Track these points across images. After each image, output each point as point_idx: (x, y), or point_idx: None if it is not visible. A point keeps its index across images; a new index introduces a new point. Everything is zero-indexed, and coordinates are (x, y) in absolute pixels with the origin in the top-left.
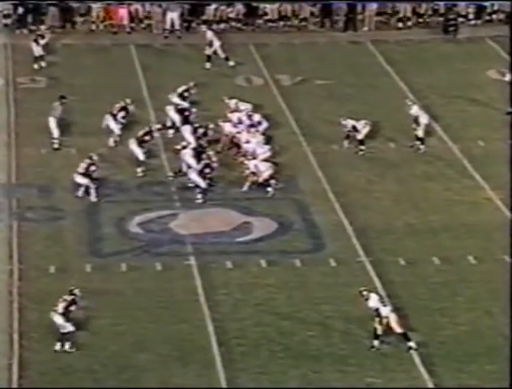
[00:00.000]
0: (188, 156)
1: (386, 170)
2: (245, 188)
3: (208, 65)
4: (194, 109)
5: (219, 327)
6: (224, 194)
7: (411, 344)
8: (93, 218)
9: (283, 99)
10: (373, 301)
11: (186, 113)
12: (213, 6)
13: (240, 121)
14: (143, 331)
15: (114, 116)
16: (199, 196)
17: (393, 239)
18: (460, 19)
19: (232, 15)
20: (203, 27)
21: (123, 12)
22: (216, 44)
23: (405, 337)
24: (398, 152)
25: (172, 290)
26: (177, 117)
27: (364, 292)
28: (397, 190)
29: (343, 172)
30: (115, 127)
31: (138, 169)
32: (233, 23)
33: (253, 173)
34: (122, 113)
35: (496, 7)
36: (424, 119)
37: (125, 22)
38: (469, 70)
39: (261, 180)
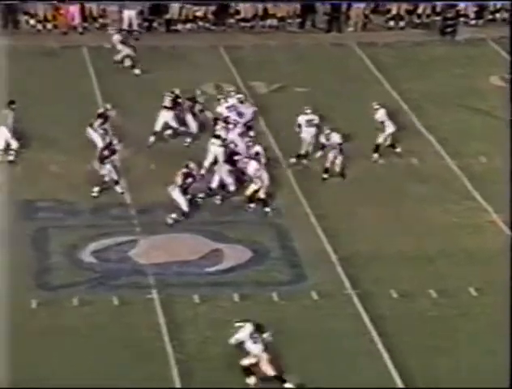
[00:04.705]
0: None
1: (375, 190)
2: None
3: (137, 71)
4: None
5: (184, 370)
6: (190, 218)
7: (288, 385)
8: (40, 245)
9: (258, 109)
10: (243, 334)
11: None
12: (178, 4)
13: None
14: (97, 374)
15: (92, 125)
16: (173, 216)
17: (383, 268)
18: (459, 19)
19: (199, 14)
20: (110, 30)
21: (74, 10)
22: (126, 50)
23: (280, 380)
24: (389, 170)
25: (132, 328)
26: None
27: (238, 324)
28: (387, 212)
29: (326, 192)
30: (97, 139)
31: (95, 189)
32: (201, 23)
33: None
34: (99, 121)
35: (498, 5)
36: (389, 127)
37: (77, 21)
38: (469, 75)
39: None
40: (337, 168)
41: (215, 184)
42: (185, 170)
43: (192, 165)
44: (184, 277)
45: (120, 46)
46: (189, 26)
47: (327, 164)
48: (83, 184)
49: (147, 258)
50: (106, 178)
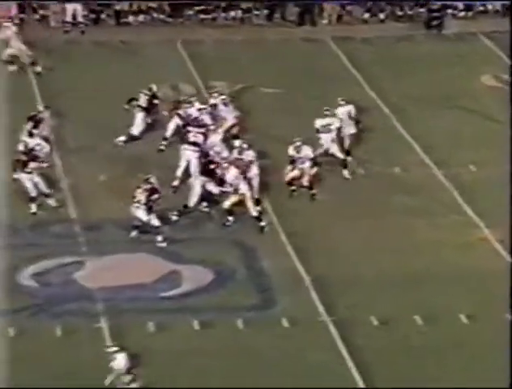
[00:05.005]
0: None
1: (353, 203)
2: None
3: (11, 68)
4: None
5: None
6: (144, 235)
7: None
8: None
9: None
10: (120, 362)
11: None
12: None
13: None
14: None
15: (23, 131)
16: (159, 239)
17: (362, 292)
18: (446, 11)
19: (153, 5)
20: (5, 22)
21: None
22: (18, 46)
23: None
24: (368, 180)
25: (77, 361)
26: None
27: (112, 349)
28: (367, 228)
29: (297, 205)
30: (31, 145)
31: (32, 205)
32: (155, 15)
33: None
34: (30, 125)
35: None
36: (349, 128)
37: (13, 12)
38: (458, 74)
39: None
40: (305, 183)
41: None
42: (147, 186)
43: (153, 179)
44: (137, 303)
45: (14, 41)
46: (141, 18)
47: (287, 179)
48: (20, 197)
49: (95, 281)
50: (30, 190)
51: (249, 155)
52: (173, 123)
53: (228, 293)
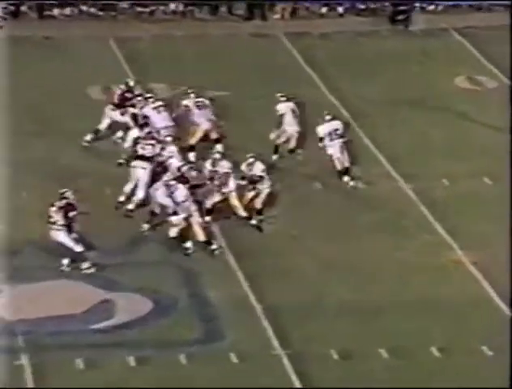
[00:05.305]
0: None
1: (310, 221)
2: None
3: None
4: None
5: None
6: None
7: None
8: None
9: None
10: None
11: None
12: None
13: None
14: None
15: None
16: (84, 265)
17: (321, 322)
18: (414, 4)
19: None
20: None
21: None
22: None
23: None
24: (327, 195)
25: None
26: None
27: None
28: (326, 249)
29: (248, 225)
30: None
31: None
32: (84, 7)
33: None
34: None
35: None
36: (291, 126)
37: None
38: (427, 75)
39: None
40: (257, 205)
41: (157, 209)
42: (62, 203)
43: (68, 193)
44: (63, 337)
45: None
46: (68, 11)
47: (245, 202)
48: None
49: (15, 312)
50: None
51: (224, 166)
52: (133, 132)
53: (168, 325)
